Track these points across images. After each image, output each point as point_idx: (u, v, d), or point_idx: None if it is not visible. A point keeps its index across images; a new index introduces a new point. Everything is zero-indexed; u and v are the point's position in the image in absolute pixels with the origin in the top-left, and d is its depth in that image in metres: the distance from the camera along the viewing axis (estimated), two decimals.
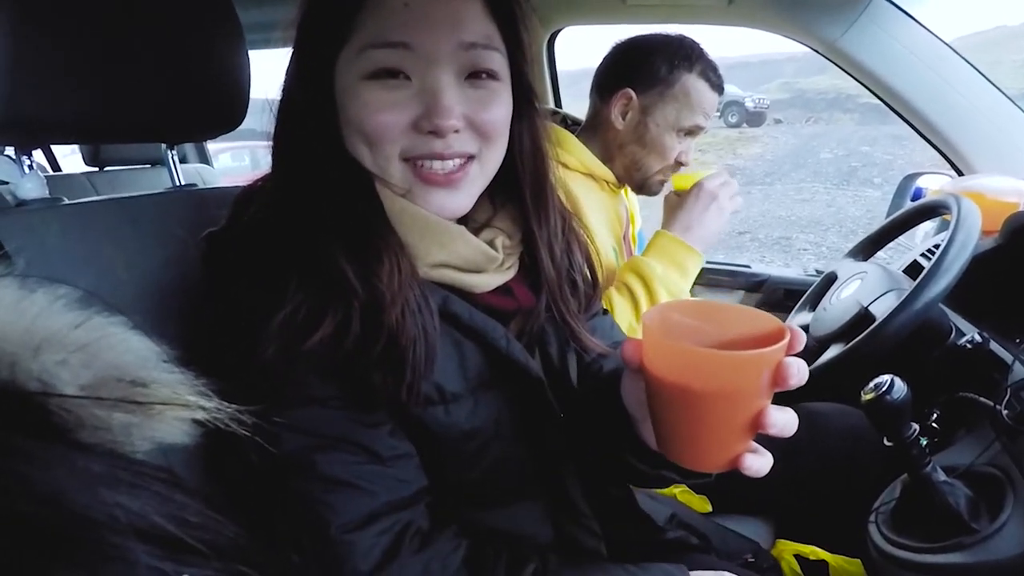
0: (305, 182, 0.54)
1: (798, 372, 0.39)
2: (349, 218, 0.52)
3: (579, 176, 1.06)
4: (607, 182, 1.10)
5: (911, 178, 1.50)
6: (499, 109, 0.55)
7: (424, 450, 0.54)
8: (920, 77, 1.16)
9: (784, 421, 0.41)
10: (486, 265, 0.57)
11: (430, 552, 0.51)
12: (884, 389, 0.64)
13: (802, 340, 0.40)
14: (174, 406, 0.28)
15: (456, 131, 0.53)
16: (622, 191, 1.15)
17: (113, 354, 0.27)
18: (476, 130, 0.55)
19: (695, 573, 0.57)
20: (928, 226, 1.26)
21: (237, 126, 0.70)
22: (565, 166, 1.04)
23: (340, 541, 0.48)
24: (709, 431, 0.41)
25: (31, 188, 0.59)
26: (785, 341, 0.39)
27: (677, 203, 1.04)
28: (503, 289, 0.60)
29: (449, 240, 0.55)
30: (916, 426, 0.66)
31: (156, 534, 0.19)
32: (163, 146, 0.73)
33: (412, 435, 0.53)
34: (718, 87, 1.05)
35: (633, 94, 1.03)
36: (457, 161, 0.55)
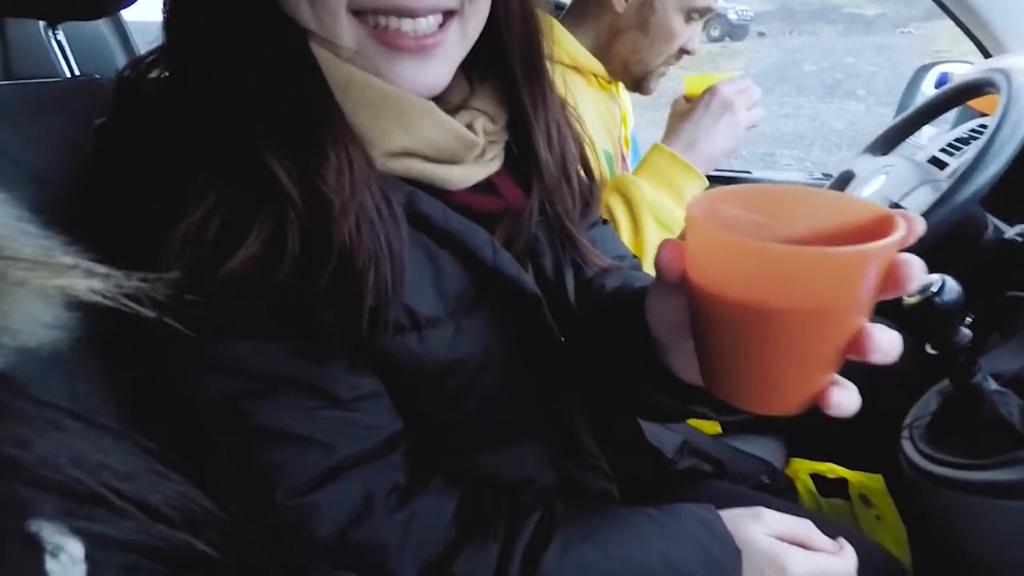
0: (219, 51, 0.40)
1: (919, 273, 0.28)
2: (280, 97, 0.39)
3: (566, 70, 0.91)
4: (597, 76, 0.96)
5: (925, 69, 1.39)
6: None
7: (395, 388, 0.43)
8: None
9: (889, 343, 0.29)
10: (463, 153, 0.45)
11: (412, 508, 0.42)
12: (936, 290, 0.55)
13: (921, 227, 0.28)
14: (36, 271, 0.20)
15: None
16: (613, 87, 1.01)
17: None
18: None
19: (727, 512, 0.48)
20: (930, 130, 1.14)
21: (125, 3, 0.56)
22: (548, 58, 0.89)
23: (289, 507, 0.38)
24: (787, 362, 0.30)
25: None
26: (900, 232, 0.27)
27: (684, 111, 0.88)
28: (486, 186, 0.48)
29: (413, 118, 0.42)
30: (967, 331, 0.58)
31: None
32: (42, 25, 0.58)
33: (378, 369, 0.43)
34: None
35: None
36: (432, 20, 0.42)
